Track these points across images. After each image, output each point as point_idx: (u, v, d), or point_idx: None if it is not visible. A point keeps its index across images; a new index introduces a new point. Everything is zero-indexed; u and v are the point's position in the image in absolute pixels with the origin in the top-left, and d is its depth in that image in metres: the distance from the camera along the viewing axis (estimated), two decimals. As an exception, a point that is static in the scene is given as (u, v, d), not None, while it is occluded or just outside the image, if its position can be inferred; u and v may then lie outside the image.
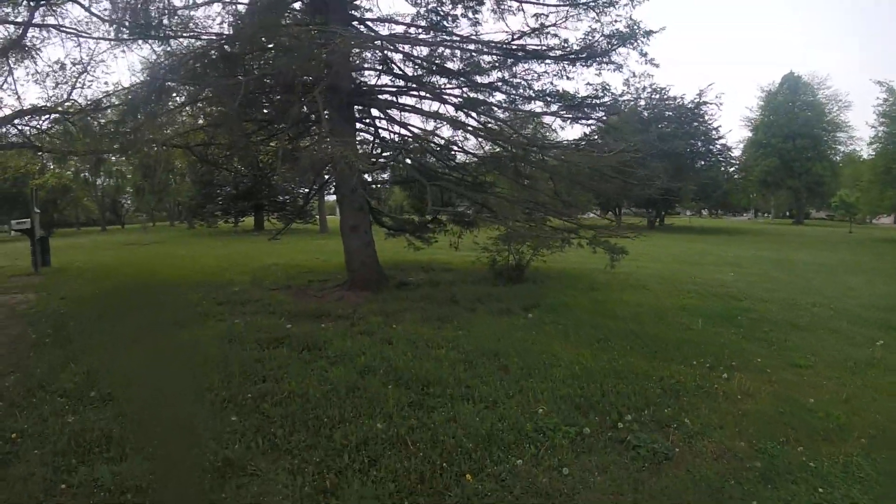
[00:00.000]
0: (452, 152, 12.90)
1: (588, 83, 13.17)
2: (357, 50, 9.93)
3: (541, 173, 12.21)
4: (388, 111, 11.83)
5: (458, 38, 10.81)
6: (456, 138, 12.41)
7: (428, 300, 10.23)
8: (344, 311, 9.27)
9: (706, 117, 39.68)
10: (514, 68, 10.89)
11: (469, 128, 10.93)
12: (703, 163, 41.91)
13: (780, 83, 65.90)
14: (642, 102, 36.12)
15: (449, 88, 11.52)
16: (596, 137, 13.69)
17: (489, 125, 11.20)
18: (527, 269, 12.67)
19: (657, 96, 38.36)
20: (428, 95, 11.17)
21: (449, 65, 11.06)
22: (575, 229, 11.57)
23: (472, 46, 10.68)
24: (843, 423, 5.09)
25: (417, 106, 11.52)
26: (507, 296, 10.54)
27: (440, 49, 10.87)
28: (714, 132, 41.15)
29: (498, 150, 12.04)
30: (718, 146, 42.89)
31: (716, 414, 5.22)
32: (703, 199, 43.72)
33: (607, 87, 10.77)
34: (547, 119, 11.85)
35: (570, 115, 11.03)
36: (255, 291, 11.48)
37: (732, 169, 45.86)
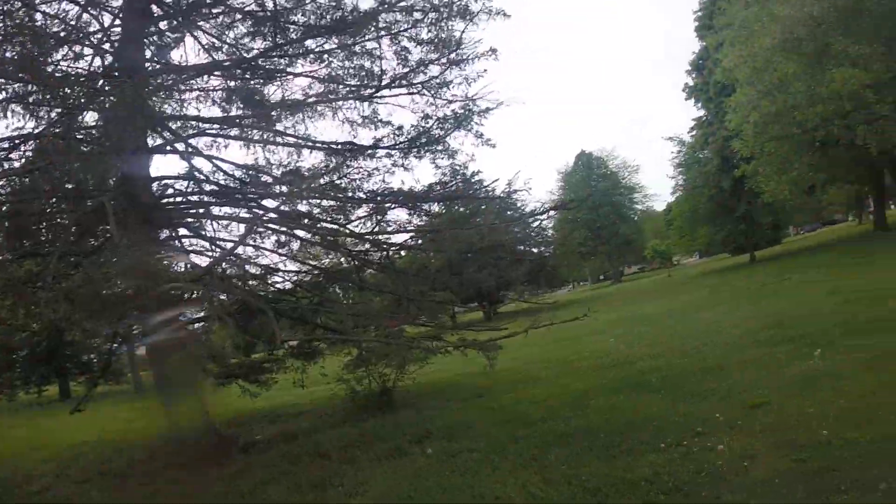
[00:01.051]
0: (279, 273, 11.48)
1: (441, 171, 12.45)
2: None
3: (388, 278, 11.25)
4: (200, 230, 10.34)
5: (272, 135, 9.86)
6: (282, 257, 11.09)
7: (289, 461, 8.16)
8: (184, 501, 7.15)
9: (519, 204, 42.33)
10: (343, 169, 10.03)
11: (302, 240, 9.80)
12: (522, 248, 44.13)
13: (574, 162, 74.00)
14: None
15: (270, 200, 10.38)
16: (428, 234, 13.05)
17: (327, 237, 10.11)
18: (393, 393, 11.06)
19: (475, 186, 39.90)
20: (245, 214, 9.95)
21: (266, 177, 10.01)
22: (437, 335, 10.52)
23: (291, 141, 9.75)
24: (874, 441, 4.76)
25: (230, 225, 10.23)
26: (385, 431, 8.88)
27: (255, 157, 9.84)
28: (531, 219, 43.87)
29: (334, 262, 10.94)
30: (535, 229, 45.58)
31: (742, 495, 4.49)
32: (533, 280, 45.61)
33: (456, 172, 10.33)
34: (390, 216, 10.95)
35: (409, 212, 10.36)
36: (62, 485, 8.86)
37: (551, 247, 48.84)
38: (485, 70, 9.96)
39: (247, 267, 10.39)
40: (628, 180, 73.77)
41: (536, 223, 44.30)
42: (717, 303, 18.94)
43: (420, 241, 11.53)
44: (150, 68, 9.64)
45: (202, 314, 10.83)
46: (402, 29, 9.68)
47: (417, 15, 9.49)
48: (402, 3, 9.37)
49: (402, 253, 11.36)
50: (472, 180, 11.33)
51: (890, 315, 9.79)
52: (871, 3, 20.31)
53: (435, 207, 11.30)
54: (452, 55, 9.77)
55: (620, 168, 74.49)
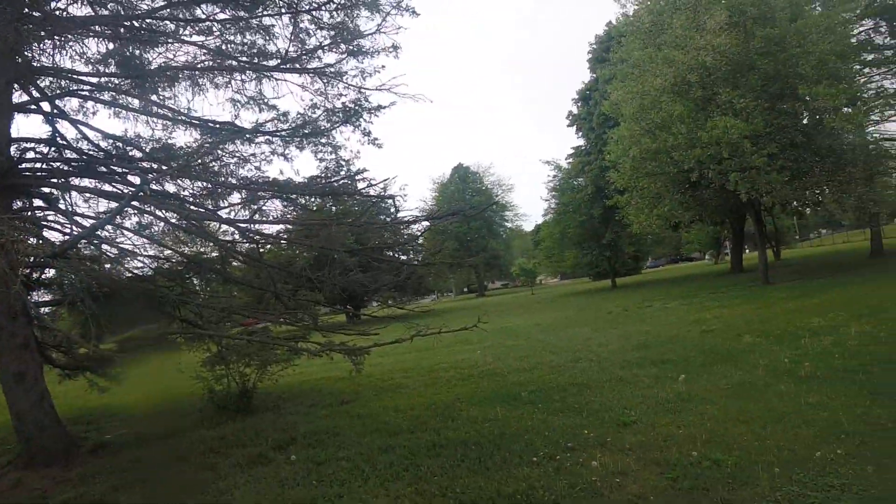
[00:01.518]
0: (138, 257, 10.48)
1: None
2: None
3: (255, 272, 10.61)
4: (57, 203, 9.23)
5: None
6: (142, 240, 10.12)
7: (144, 466, 7.48)
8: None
9: (392, 210, 42.18)
10: (217, 150, 9.26)
11: (165, 223, 8.96)
12: (392, 254, 44.13)
13: (451, 174, 75.20)
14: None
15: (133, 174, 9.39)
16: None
17: (194, 222, 9.29)
18: (254, 395, 10.48)
19: (356, 185, 39.34)
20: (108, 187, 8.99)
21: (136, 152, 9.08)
22: (303, 336, 10.05)
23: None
24: (738, 463, 4.98)
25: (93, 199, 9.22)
26: (246, 436, 8.34)
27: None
28: (403, 225, 43.91)
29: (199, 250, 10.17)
30: (406, 236, 45.68)
31: None
32: (400, 287, 45.67)
33: (339, 168, 9.88)
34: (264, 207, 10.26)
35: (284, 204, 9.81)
36: None
37: (421, 256, 49.19)
38: (383, 66, 9.72)
39: (105, 248, 9.38)
40: (502, 198, 76.12)
41: (409, 230, 44.93)
42: (584, 322, 19.76)
43: (292, 236, 10.98)
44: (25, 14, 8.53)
45: (51, 297, 9.78)
46: (304, 9, 9.18)
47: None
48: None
49: (269, 247, 10.73)
50: (356, 178, 10.97)
51: (746, 348, 10.60)
52: (760, 62, 22.09)
53: (311, 202, 10.81)
54: (352, 45, 9.39)
55: (495, 185, 76.87)
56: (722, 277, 33.51)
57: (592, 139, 42.82)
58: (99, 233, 8.80)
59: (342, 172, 10.35)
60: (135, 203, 8.50)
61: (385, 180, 10.47)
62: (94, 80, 9.40)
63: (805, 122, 23.08)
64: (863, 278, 20.13)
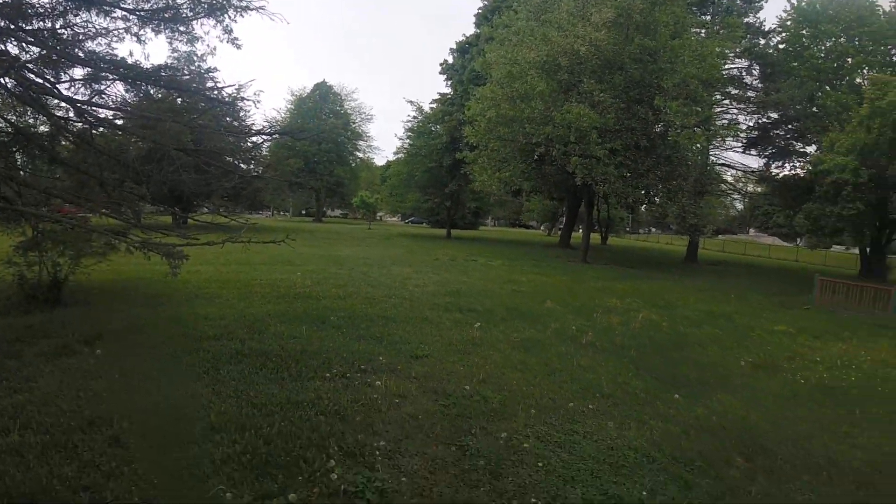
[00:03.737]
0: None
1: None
2: None
3: (84, 156, 10.00)
4: None
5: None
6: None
7: None
8: None
9: (241, 114, 40.34)
10: (67, 16, 8.51)
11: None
12: (232, 160, 42.40)
13: (311, 90, 72.38)
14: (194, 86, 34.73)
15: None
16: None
17: (30, 89, 8.53)
18: (65, 286, 10.06)
19: (207, 82, 36.81)
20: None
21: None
22: (124, 230, 9.70)
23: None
24: (504, 401, 5.89)
25: None
26: (54, 327, 8.09)
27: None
28: (248, 129, 42.12)
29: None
30: (249, 143, 44.00)
31: (392, 425, 5.17)
32: (234, 197, 44.24)
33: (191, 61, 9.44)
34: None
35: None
36: None
37: (262, 168, 47.65)
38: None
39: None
40: (359, 126, 74.93)
41: (253, 139, 43.18)
42: (409, 263, 20.59)
43: (128, 124, 10.38)
44: None
45: None
46: None
47: None
48: None
49: (102, 129, 10.10)
50: (207, 75, 10.49)
51: (545, 312, 11.93)
52: (631, 66, 23.74)
53: (157, 92, 10.25)
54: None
55: (355, 111, 75.22)
56: (549, 249, 36.16)
57: (460, 92, 43.52)
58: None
59: (193, 67, 9.91)
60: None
61: (239, 84, 10.11)
62: None
63: (656, 129, 25.20)
64: (669, 277, 22.95)
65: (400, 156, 45.82)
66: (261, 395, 5.68)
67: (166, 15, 8.80)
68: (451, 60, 48.90)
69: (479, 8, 47.33)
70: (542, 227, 79.55)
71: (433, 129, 42.06)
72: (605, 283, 18.40)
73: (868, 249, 34.84)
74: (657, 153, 24.77)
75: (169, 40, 9.38)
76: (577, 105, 22.93)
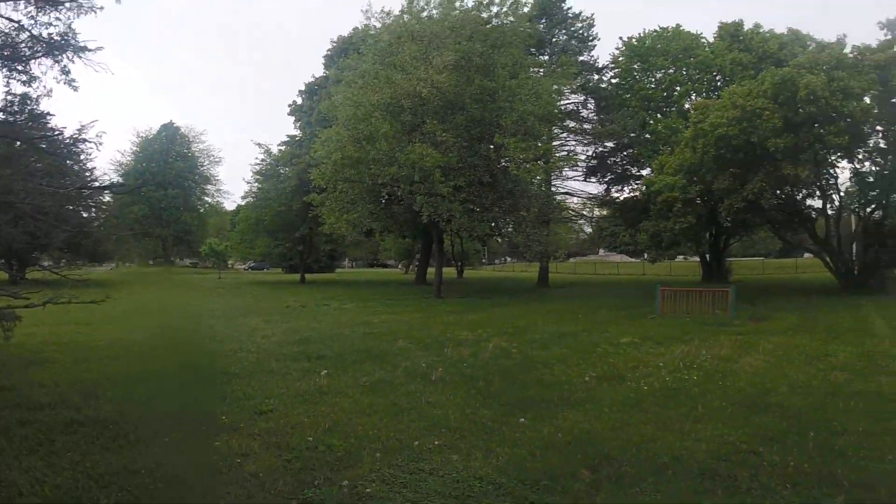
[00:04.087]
0: None
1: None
2: None
3: None
4: None
5: None
6: None
7: None
8: None
9: (82, 156, 37.67)
10: None
11: None
12: (72, 208, 39.43)
13: (158, 130, 68.87)
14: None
15: None
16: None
17: None
18: None
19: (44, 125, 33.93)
20: None
21: None
22: None
23: None
24: (349, 448, 5.90)
25: None
26: None
27: None
28: (88, 173, 39.44)
29: None
30: (90, 188, 41.19)
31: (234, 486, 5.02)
32: (73, 248, 41.07)
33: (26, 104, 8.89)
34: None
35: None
36: None
37: (104, 216, 44.75)
38: (102, 7, 9.04)
39: None
40: (207, 169, 72.31)
41: (95, 182, 40.37)
42: (259, 313, 19.99)
43: None
44: None
45: None
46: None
47: None
48: None
49: None
50: (43, 119, 9.90)
51: (397, 351, 11.98)
52: (472, 106, 24.88)
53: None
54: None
55: (203, 153, 72.49)
56: (404, 287, 36.52)
57: (308, 133, 43.20)
58: None
59: (27, 110, 9.41)
60: None
61: (81, 125, 9.67)
62: None
63: (499, 165, 26.61)
64: (520, 304, 23.84)
65: (249, 200, 44.91)
66: (98, 465, 5.35)
67: (5, 52, 8.35)
68: (300, 101, 48.60)
69: (328, 50, 47.63)
70: (399, 266, 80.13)
71: (282, 171, 41.42)
72: (458, 317, 18.86)
73: (707, 256, 38.58)
74: (500, 187, 26.04)
75: (6, 79, 8.96)
76: (421, 145, 23.61)
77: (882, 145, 26.51)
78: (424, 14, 28.88)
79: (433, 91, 24.23)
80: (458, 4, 28.39)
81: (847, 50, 24.62)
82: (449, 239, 38.85)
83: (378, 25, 31.48)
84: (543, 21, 39.60)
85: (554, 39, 39.82)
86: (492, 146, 25.13)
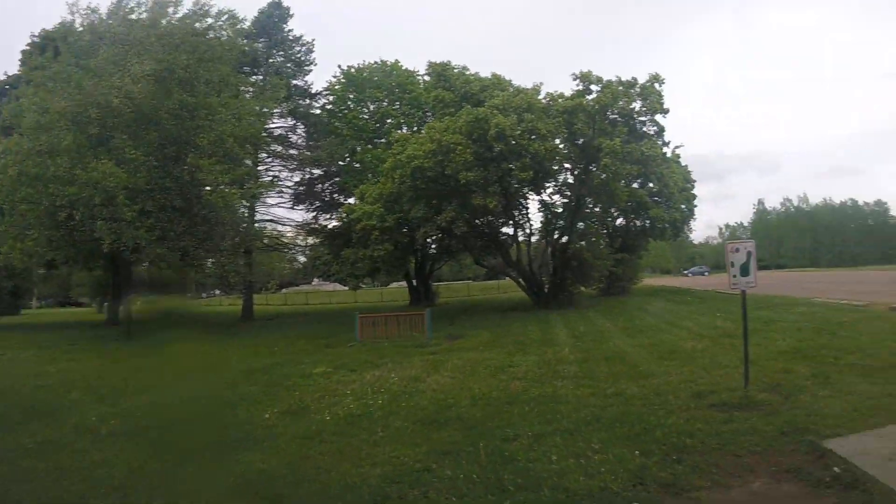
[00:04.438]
0: None
1: None
2: None
3: None
4: None
5: None
6: None
7: None
8: None
9: None
10: None
11: None
12: None
13: None
14: None
15: None
16: None
17: None
18: None
19: None
20: None
21: None
22: None
23: None
24: None
25: None
26: None
27: None
28: None
29: None
30: None
31: None
32: None
33: None
34: None
35: None
36: None
37: None
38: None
39: None
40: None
41: None
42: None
43: None
44: None
45: None
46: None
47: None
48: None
49: None
50: None
51: (69, 404, 11.14)
52: (167, 120, 23.14)
53: None
54: None
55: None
56: (94, 328, 32.68)
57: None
58: None
59: None
60: None
61: None
62: None
63: (195, 189, 24.87)
64: (220, 338, 22.50)
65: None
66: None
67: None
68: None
69: (28, 44, 38.47)
70: (93, 304, 71.15)
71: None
72: (144, 360, 17.39)
73: (414, 281, 41.09)
74: (193, 213, 24.56)
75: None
76: (106, 162, 21.44)
77: (570, 180, 31.45)
78: (134, 16, 26.75)
79: (126, 102, 22.15)
80: (170, 11, 26.76)
81: (541, 96, 28.70)
82: (147, 270, 35.10)
83: (80, 22, 27.86)
84: (263, 40, 39.30)
85: (271, 60, 39.60)
86: (185, 167, 23.64)
